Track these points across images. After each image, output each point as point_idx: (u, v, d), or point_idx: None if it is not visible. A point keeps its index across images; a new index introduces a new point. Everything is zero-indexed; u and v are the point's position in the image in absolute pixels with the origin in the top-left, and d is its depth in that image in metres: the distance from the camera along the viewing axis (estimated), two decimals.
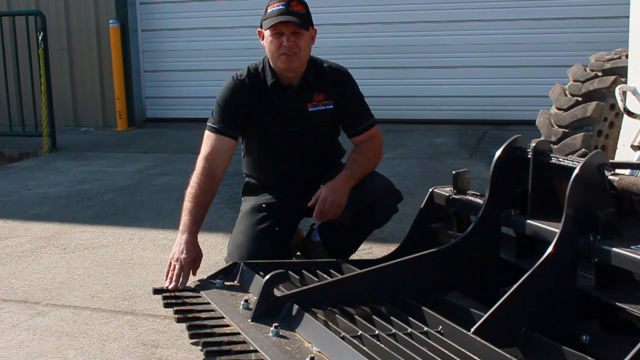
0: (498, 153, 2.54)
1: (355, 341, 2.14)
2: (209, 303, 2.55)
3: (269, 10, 3.00)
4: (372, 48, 7.54)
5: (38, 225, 4.24)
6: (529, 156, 2.47)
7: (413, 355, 2.03)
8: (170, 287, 2.69)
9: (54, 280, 3.28)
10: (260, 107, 3.09)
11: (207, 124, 3.08)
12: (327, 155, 3.24)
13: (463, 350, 2.04)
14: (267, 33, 3.01)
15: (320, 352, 2.11)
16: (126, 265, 3.45)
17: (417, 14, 7.44)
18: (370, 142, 3.16)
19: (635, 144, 2.83)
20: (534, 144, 2.47)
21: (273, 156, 3.20)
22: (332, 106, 3.13)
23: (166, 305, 2.59)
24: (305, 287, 2.49)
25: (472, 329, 2.11)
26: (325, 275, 2.70)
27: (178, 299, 2.61)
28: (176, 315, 2.48)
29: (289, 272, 2.67)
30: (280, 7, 2.96)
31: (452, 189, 2.84)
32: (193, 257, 2.79)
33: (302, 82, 3.10)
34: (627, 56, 3.64)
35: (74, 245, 3.80)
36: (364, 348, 2.09)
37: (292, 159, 3.17)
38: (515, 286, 2.14)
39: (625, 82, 3.38)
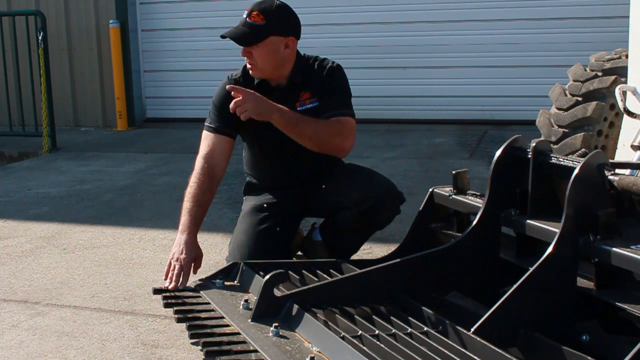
0: (498, 153, 2.54)
1: (355, 341, 2.13)
2: (209, 303, 2.55)
3: None
4: (372, 48, 7.53)
5: (38, 225, 4.24)
6: (529, 156, 2.47)
7: (413, 355, 2.03)
8: (170, 287, 2.69)
9: (54, 280, 3.28)
10: None
11: (205, 124, 3.08)
12: (326, 155, 3.23)
13: (463, 350, 2.04)
14: None
15: (320, 352, 2.10)
16: (126, 265, 3.45)
17: (417, 14, 7.43)
18: (338, 123, 3.00)
19: (635, 144, 2.83)
20: (534, 144, 2.46)
21: (270, 156, 3.19)
22: (317, 103, 3.09)
23: (166, 305, 2.59)
24: (305, 287, 2.48)
25: (472, 329, 2.10)
26: (325, 275, 2.70)
27: (178, 299, 2.61)
28: (176, 315, 2.48)
29: (289, 272, 2.67)
30: (243, 16, 2.99)
31: (452, 189, 2.84)
32: (193, 257, 2.79)
33: (288, 83, 3.09)
34: (627, 56, 3.64)
35: (74, 245, 3.80)
36: (364, 348, 2.09)
37: (288, 159, 3.16)
38: (515, 286, 2.14)
39: (625, 82, 3.37)
